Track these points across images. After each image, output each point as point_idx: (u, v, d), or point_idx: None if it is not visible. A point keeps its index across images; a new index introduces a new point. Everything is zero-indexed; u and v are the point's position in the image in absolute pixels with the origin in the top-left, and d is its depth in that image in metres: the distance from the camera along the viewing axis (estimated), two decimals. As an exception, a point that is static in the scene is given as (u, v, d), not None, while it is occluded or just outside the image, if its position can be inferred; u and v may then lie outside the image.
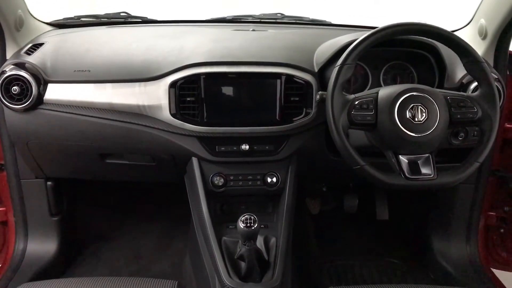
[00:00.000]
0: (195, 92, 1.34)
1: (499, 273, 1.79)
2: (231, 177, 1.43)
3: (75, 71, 1.38)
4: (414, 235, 2.03)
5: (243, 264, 1.28)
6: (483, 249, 1.81)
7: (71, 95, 1.38)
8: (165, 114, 1.34)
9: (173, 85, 1.33)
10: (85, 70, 1.38)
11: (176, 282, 1.18)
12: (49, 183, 1.70)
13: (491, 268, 1.79)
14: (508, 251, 1.79)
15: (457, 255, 1.81)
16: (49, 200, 1.72)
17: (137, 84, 1.36)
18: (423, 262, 1.92)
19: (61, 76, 1.39)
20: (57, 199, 1.76)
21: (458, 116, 1.18)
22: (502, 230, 1.79)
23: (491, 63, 1.50)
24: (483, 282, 1.71)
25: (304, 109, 1.38)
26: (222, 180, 1.43)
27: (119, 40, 1.52)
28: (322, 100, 1.24)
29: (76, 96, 1.38)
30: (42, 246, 1.77)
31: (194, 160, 1.42)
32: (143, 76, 1.36)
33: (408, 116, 1.15)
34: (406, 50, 1.47)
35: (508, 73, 1.54)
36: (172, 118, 1.34)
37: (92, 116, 1.38)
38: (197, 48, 1.41)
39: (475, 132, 1.39)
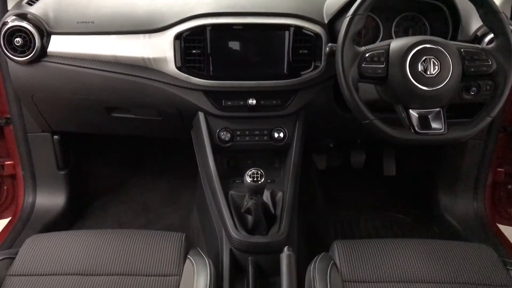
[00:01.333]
0: (201, 45, 1.30)
1: (504, 229, 1.80)
2: (238, 132, 1.42)
3: (78, 22, 1.35)
4: (420, 191, 2.03)
5: (249, 218, 1.29)
6: (489, 205, 1.81)
7: (75, 47, 1.35)
8: (171, 67, 1.32)
9: (178, 37, 1.29)
10: (89, 22, 1.35)
11: (184, 234, 1.20)
12: (55, 137, 1.70)
13: (497, 224, 1.80)
14: (515, 207, 1.80)
15: (463, 211, 1.82)
16: (56, 154, 1.73)
17: (141, 35, 1.33)
18: (429, 217, 1.93)
19: (64, 27, 1.36)
20: (64, 153, 1.76)
21: (472, 69, 1.15)
22: (510, 187, 1.78)
23: (508, 14, 1.44)
24: (488, 237, 1.72)
25: (313, 62, 1.34)
26: (228, 135, 1.42)
27: None
28: (332, 53, 1.21)
29: (80, 48, 1.35)
30: (51, 199, 1.79)
31: (201, 115, 1.41)
32: (147, 27, 1.33)
33: (420, 69, 1.12)
34: (419, 1, 1.42)
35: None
36: (178, 71, 1.32)
37: (96, 69, 1.36)
38: None
39: (488, 87, 1.35)
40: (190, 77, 1.33)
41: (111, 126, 1.63)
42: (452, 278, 1.08)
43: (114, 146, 2.13)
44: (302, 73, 1.35)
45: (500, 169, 1.77)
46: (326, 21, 1.33)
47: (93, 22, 1.34)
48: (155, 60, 1.33)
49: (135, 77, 1.35)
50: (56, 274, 1.06)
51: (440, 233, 1.85)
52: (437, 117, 1.15)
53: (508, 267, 1.12)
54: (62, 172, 1.79)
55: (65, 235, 1.19)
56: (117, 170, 2.18)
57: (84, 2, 1.39)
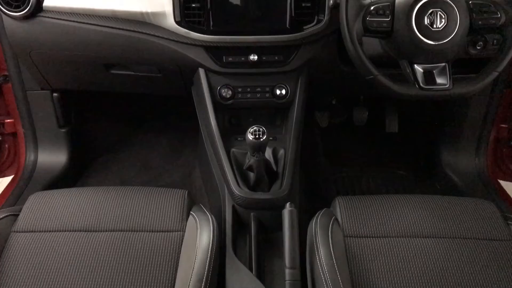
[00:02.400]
0: None
1: (505, 185, 1.81)
2: (239, 89, 1.40)
3: None
4: (423, 147, 2.03)
5: (251, 175, 1.29)
6: (491, 161, 1.81)
7: (72, 2, 1.31)
8: (170, 21, 1.28)
9: None
10: None
11: (186, 191, 1.20)
12: (55, 94, 1.69)
13: (499, 180, 1.80)
14: (517, 163, 1.80)
15: (465, 167, 1.82)
16: (56, 111, 1.72)
17: None
18: (431, 174, 1.94)
19: None
20: (64, 111, 1.75)
21: (480, 22, 1.12)
22: (512, 143, 1.78)
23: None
24: (489, 193, 1.73)
25: (316, 16, 1.31)
26: (230, 92, 1.40)
27: None
28: (336, 6, 1.17)
29: (77, 2, 1.31)
30: (52, 157, 1.79)
31: (201, 71, 1.39)
32: None
33: (426, 23, 1.09)
34: None
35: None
36: (177, 26, 1.29)
37: (94, 24, 1.33)
38: None
39: (495, 41, 1.32)
40: (190, 32, 1.30)
41: (111, 84, 1.61)
42: (453, 233, 1.09)
43: (115, 104, 2.11)
44: (305, 27, 1.32)
45: (503, 125, 1.76)
46: None
47: None
48: (154, 14, 1.29)
49: (133, 33, 1.32)
50: (60, 231, 1.08)
51: (441, 189, 1.86)
52: (442, 72, 1.13)
53: (509, 222, 1.13)
54: (63, 130, 1.79)
55: (68, 192, 1.19)
56: (119, 128, 2.17)
57: None
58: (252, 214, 1.25)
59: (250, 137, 1.18)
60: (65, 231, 1.08)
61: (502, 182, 1.82)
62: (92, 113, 2.04)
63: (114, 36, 1.33)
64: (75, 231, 1.08)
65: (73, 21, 1.33)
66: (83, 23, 1.33)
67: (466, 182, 1.79)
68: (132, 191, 1.19)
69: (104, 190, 1.19)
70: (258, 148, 1.21)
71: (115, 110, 2.17)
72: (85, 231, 1.08)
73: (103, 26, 1.32)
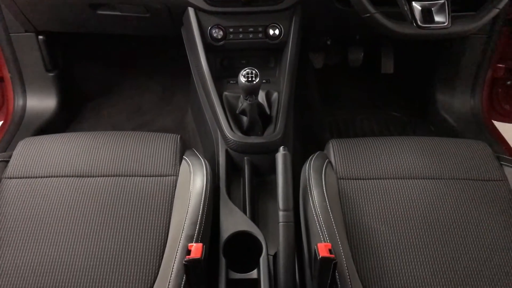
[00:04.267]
0: None
1: (499, 125, 1.80)
2: (231, 29, 1.35)
3: None
4: (418, 88, 2.01)
5: (245, 119, 1.27)
6: (486, 101, 1.80)
7: None
8: None
9: None
10: None
11: (179, 136, 1.19)
12: (40, 37, 1.63)
13: (493, 121, 1.80)
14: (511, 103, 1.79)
15: (460, 108, 1.81)
16: (42, 55, 1.67)
17: None
18: (425, 115, 1.93)
19: None
20: (51, 54, 1.70)
21: None
22: (508, 83, 1.76)
23: None
24: (483, 133, 1.73)
25: None
26: (221, 32, 1.35)
27: None
28: None
29: None
30: (41, 102, 1.76)
31: (191, 11, 1.33)
32: None
33: None
34: None
35: None
36: None
37: None
38: None
39: (496, -24, 1.28)
40: None
41: (98, 25, 1.55)
42: (446, 174, 1.10)
43: (104, 46, 2.05)
44: None
45: (500, 65, 1.73)
46: None
47: None
48: None
49: None
50: (51, 176, 1.07)
51: (436, 130, 1.86)
52: (441, 9, 1.09)
53: (502, 162, 1.14)
54: (51, 74, 1.74)
55: (59, 138, 1.17)
56: (108, 71, 2.12)
57: None
58: (245, 158, 1.25)
59: (243, 80, 1.16)
60: (57, 176, 1.07)
61: (496, 123, 1.81)
62: (80, 56, 1.98)
63: None
64: (68, 176, 1.07)
65: None
66: None
67: (460, 123, 1.79)
68: (124, 136, 1.18)
69: (95, 135, 1.17)
70: (251, 91, 1.19)
71: (104, 53, 2.11)
72: (78, 176, 1.07)
73: None
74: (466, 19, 1.12)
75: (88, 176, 1.07)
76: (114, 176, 1.07)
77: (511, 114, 1.82)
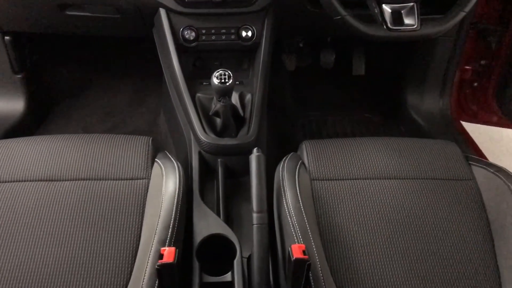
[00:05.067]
0: None
1: (467, 125, 1.85)
2: (203, 31, 1.35)
3: None
4: (389, 90, 2.04)
5: (218, 120, 1.26)
6: (455, 102, 1.84)
7: None
8: None
9: None
10: None
11: (151, 138, 1.17)
12: (6, 37, 1.59)
13: (461, 121, 1.84)
14: (479, 104, 1.84)
15: (429, 109, 1.85)
16: (9, 56, 1.63)
17: None
18: (397, 116, 1.96)
19: None
20: (18, 55, 1.66)
21: None
22: (475, 84, 1.81)
23: None
24: (451, 133, 1.77)
25: None
26: (193, 33, 1.34)
27: None
28: None
29: None
30: (8, 104, 1.72)
31: (162, 12, 1.32)
32: None
33: None
34: None
35: None
36: None
37: None
38: None
39: (464, -21, 1.31)
40: None
41: (66, 25, 1.52)
42: (416, 174, 1.12)
43: (74, 47, 2.01)
44: None
45: (467, 67, 1.78)
46: None
47: None
48: None
49: None
50: (19, 181, 1.04)
51: (406, 131, 1.90)
52: (410, 12, 1.11)
53: (470, 162, 1.16)
54: (19, 76, 1.70)
55: (27, 141, 1.14)
56: (79, 72, 2.08)
57: None
58: (219, 160, 1.24)
59: (216, 81, 1.15)
60: (25, 181, 1.04)
61: (465, 123, 1.86)
62: (49, 57, 1.94)
63: None
64: (36, 180, 1.04)
65: None
66: None
67: (430, 123, 1.82)
68: (94, 138, 1.15)
69: (65, 138, 1.15)
70: (224, 92, 1.19)
71: (74, 54, 2.07)
72: (47, 180, 1.05)
73: None
74: (435, 22, 1.14)
75: (56, 180, 1.04)
76: (83, 179, 1.05)
77: (479, 114, 1.86)
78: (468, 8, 1.12)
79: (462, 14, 1.13)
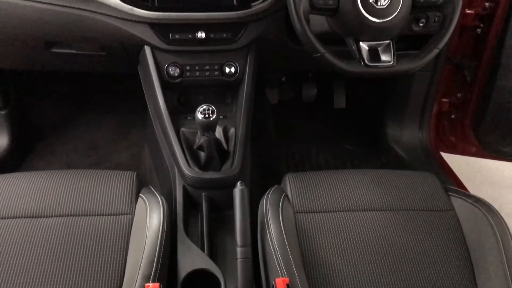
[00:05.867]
0: None
1: (446, 156, 1.89)
2: (188, 67, 1.37)
3: None
4: (370, 122, 2.09)
5: (202, 154, 1.28)
6: (434, 134, 1.89)
7: None
8: None
9: None
10: None
11: (135, 173, 1.18)
12: None
13: (440, 152, 1.89)
14: (457, 135, 1.88)
15: (409, 141, 1.89)
16: None
17: None
18: (378, 148, 2.00)
19: None
20: (3, 91, 1.66)
21: (421, 0, 1.15)
22: (453, 116, 1.86)
23: None
24: (431, 164, 1.81)
25: None
26: (178, 70, 1.37)
27: None
28: None
29: None
30: None
31: (147, 49, 1.35)
32: None
33: (370, 0, 1.10)
34: None
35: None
36: (120, 2, 1.24)
37: (32, 1, 1.25)
38: None
39: (436, 18, 1.37)
40: (134, 8, 1.25)
41: (52, 63, 1.54)
42: (397, 205, 1.14)
43: (58, 82, 2.03)
44: (252, 4, 1.30)
45: (444, 100, 1.83)
46: None
47: None
48: None
49: (75, 10, 1.26)
50: (3, 218, 1.03)
51: (387, 163, 1.93)
52: (386, 49, 1.16)
53: (449, 193, 1.19)
54: (3, 112, 1.70)
55: (10, 177, 1.14)
56: (62, 107, 2.09)
57: None
58: (203, 194, 1.25)
59: (200, 116, 1.17)
60: (7, 218, 1.03)
61: (444, 154, 1.90)
62: (33, 92, 1.95)
63: (54, 13, 1.27)
64: (19, 217, 1.04)
65: None
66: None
67: (410, 155, 1.86)
68: (78, 174, 1.16)
69: (48, 174, 1.15)
70: (208, 127, 1.21)
71: (58, 89, 2.08)
72: (30, 217, 1.04)
73: (41, 2, 1.25)
74: (410, 58, 1.18)
75: (40, 217, 1.04)
76: (67, 216, 1.05)
77: (457, 145, 1.91)
78: (441, 45, 1.17)
79: (436, 51, 1.18)
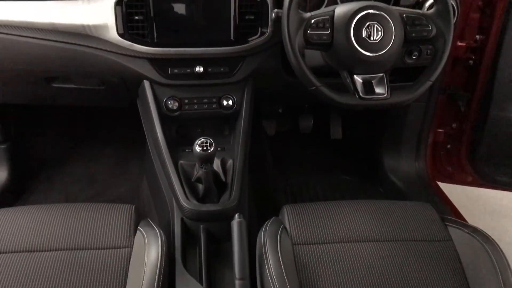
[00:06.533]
0: (144, 10, 1.25)
1: (443, 186, 1.90)
2: (186, 101, 1.40)
3: None
4: (366, 153, 2.10)
5: (200, 186, 1.29)
6: (430, 164, 1.90)
7: (9, 14, 1.27)
8: (112, 34, 1.26)
9: (119, 2, 1.23)
10: None
11: (133, 206, 1.18)
12: None
13: (437, 182, 1.90)
14: (453, 165, 1.90)
15: (406, 171, 1.90)
16: None
17: (80, 1, 1.26)
18: (375, 178, 2.01)
19: None
20: (3, 125, 1.68)
21: (413, 34, 1.18)
22: (448, 146, 1.88)
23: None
24: (429, 194, 1.82)
25: (260, 28, 1.33)
26: (176, 103, 1.39)
27: None
28: (278, 19, 1.20)
29: (14, 15, 1.27)
30: None
31: (146, 83, 1.37)
32: None
33: (364, 35, 1.14)
34: None
35: (462, -10, 1.53)
36: (120, 39, 1.27)
37: (33, 37, 1.29)
38: None
39: (429, 51, 1.40)
40: (134, 44, 1.28)
41: (52, 97, 1.56)
42: (395, 236, 1.14)
43: (57, 115, 2.05)
44: (249, 39, 1.33)
45: (440, 130, 1.85)
46: None
47: None
48: (96, 27, 1.27)
49: (75, 46, 1.29)
50: (1, 252, 1.03)
51: (385, 193, 1.94)
52: (380, 82, 1.18)
53: (446, 223, 1.20)
54: (3, 146, 1.71)
55: (9, 212, 1.14)
56: (61, 140, 2.11)
57: None
58: (201, 226, 1.25)
59: (198, 149, 1.19)
60: (6, 252, 1.03)
61: (441, 184, 1.91)
62: (33, 125, 1.97)
63: (55, 49, 1.30)
64: (17, 252, 1.04)
65: (11, 34, 1.28)
66: (21, 36, 1.28)
67: (407, 185, 1.87)
68: (76, 208, 1.16)
69: (47, 208, 1.15)
70: (206, 159, 1.22)
71: (57, 122, 2.10)
72: (28, 251, 1.04)
73: (42, 39, 1.29)
74: (404, 91, 1.21)
75: (39, 251, 1.04)
76: (66, 250, 1.05)
77: (454, 175, 1.92)
78: (433, 78, 1.20)
79: (428, 83, 1.20)
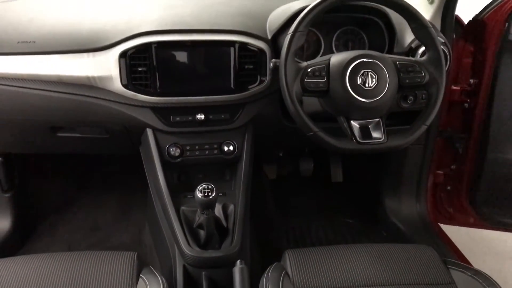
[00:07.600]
0: (147, 62, 1.30)
1: (445, 227, 1.90)
2: (188, 147, 1.43)
3: (18, 42, 1.31)
4: (367, 195, 2.11)
5: (202, 233, 1.29)
6: (431, 206, 1.90)
7: (16, 67, 1.32)
8: (116, 85, 1.31)
9: (123, 55, 1.28)
10: (30, 41, 1.31)
11: (136, 253, 1.19)
12: None
13: (439, 223, 1.89)
14: (454, 206, 1.90)
15: (407, 213, 1.90)
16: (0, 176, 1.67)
17: (85, 54, 1.31)
18: (376, 220, 2.01)
19: (4, 48, 1.32)
20: (8, 174, 1.70)
21: (407, 80, 1.22)
22: (449, 188, 1.88)
23: (438, 27, 1.53)
24: (431, 236, 1.81)
25: (259, 76, 1.37)
26: (178, 150, 1.42)
27: (65, 8, 1.45)
28: (276, 68, 1.24)
29: (21, 69, 1.32)
30: None
31: (149, 131, 1.41)
32: (91, 46, 1.31)
33: (359, 82, 1.17)
34: (357, 16, 1.48)
35: (454, 36, 1.58)
36: (124, 89, 1.31)
37: (39, 89, 1.33)
38: (147, 15, 1.37)
39: (424, 96, 1.44)
40: (137, 94, 1.32)
41: (57, 146, 1.59)
42: (397, 280, 1.14)
43: (60, 163, 2.08)
44: (249, 87, 1.37)
45: (439, 171, 1.87)
46: (269, 37, 1.36)
47: (34, 42, 1.31)
48: (100, 78, 1.31)
49: (80, 96, 1.33)
50: None
51: (388, 236, 1.93)
52: (377, 126, 1.21)
53: (448, 266, 1.19)
54: (7, 195, 1.73)
55: (12, 262, 1.15)
56: (65, 188, 2.12)
57: (25, 22, 1.36)
58: (203, 273, 1.25)
59: (199, 195, 1.20)
60: None
61: (444, 226, 1.91)
62: (37, 174, 1.99)
63: (60, 100, 1.34)
64: None
65: (18, 87, 1.32)
66: (28, 88, 1.33)
67: (409, 227, 1.87)
68: (78, 256, 1.16)
69: (49, 258, 1.15)
70: (208, 205, 1.23)
71: (61, 170, 2.12)
72: None
73: (48, 90, 1.33)
74: (400, 135, 1.23)
75: None
76: None
77: (455, 217, 1.92)
78: (428, 122, 1.23)
79: (424, 127, 1.23)
